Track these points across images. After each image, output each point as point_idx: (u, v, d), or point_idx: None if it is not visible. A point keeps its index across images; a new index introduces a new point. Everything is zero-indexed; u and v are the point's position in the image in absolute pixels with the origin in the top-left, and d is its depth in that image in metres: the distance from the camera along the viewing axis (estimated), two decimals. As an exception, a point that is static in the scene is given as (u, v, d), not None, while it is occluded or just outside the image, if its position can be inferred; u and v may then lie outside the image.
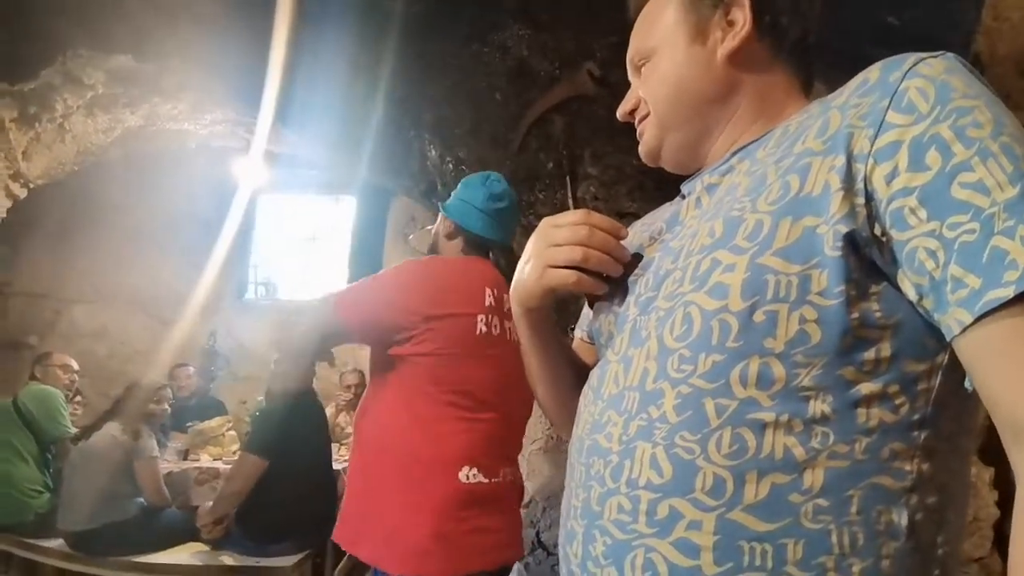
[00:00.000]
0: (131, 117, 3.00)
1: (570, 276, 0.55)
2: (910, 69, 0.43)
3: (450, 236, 1.32)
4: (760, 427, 0.43)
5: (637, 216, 0.73)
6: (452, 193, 1.37)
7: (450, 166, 2.48)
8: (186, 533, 2.29)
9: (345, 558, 2.35)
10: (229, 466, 2.51)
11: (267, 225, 4.92)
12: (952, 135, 0.40)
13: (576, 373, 0.65)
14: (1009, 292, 0.36)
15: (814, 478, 0.42)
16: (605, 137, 2.10)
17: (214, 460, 2.83)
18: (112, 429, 2.32)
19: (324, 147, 3.10)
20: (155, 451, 2.35)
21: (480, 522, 1.13)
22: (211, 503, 2.22)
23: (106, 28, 2.43)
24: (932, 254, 0.40)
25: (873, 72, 0.46)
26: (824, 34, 0.60)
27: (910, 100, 0.42)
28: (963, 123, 0.40)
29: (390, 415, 1.15)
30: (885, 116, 0.43)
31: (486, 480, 1.14)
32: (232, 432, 3.07)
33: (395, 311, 1.13)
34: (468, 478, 1.12)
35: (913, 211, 0.41)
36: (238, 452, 2.76)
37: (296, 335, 1.23)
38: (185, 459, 2.87)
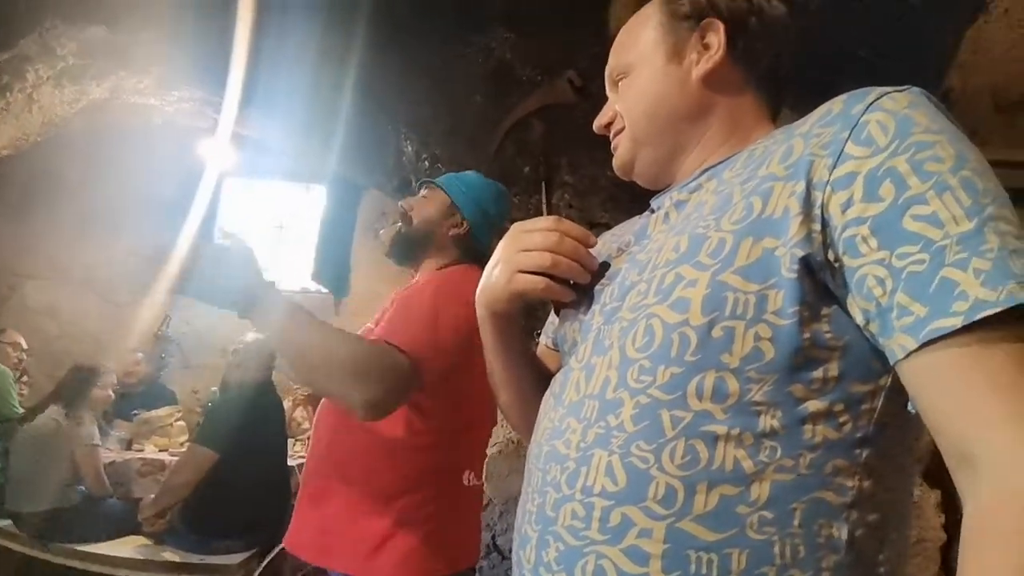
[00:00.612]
0: (96, 89, 2.88)
1: (539, 282, 0.56)
2: (873, 103, 0.45)
3: (456, 240, 1.17)
4: (712, 439, 0.44)
5: (609, 226, 0.75)
6: (461, 187, 1.21)
7: (426, 163, 2.46)
8: (128, 525, 2.22)
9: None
10: (175, 458, 2.43)
11: (232, 210, 4.79)
12: (909, 168, 0.41)
13: (539, 378, 0.66)
14: (956, 322, 0.38)
15: (761, 490, 0.43)
16: (582, 147, 2.12)
17: (160, 451, 2.73)
18: (54, 412, 2.26)
19: (295, 133, 3.04)
20: (96, 439, 2.30)
21: (473, 523, 1.13)
22: (154, 495, 2.14)
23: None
24: (880, 281, 0.41)
25: (837, 104, 0.48)
26: (796, 64, 0.63)
27: (869, 133, 0.44)
28: (922, 157, 0.41)
29: (392, 419, 0.99)
30: (844, 147, 0.44)
31: (478, 483, 1.13)
32: (181, 423, 2.97)
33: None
34: (468, 482, 1.09)
35: (865, 239, 0.42)
36: (186, 444, 2.67)
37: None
38: (129, 449, 2.75)
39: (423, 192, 1.23)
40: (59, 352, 3.74)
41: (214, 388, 2.64)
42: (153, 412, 2.93)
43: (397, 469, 1.02)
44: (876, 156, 0.43)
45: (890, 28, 1.82)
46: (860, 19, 1.80)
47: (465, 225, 1.18)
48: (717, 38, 0.58)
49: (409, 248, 1.18)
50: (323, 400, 1.18)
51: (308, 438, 3.12)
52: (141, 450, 2.73)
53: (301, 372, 0.93)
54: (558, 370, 0.61)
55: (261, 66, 2.48)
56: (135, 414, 2.93)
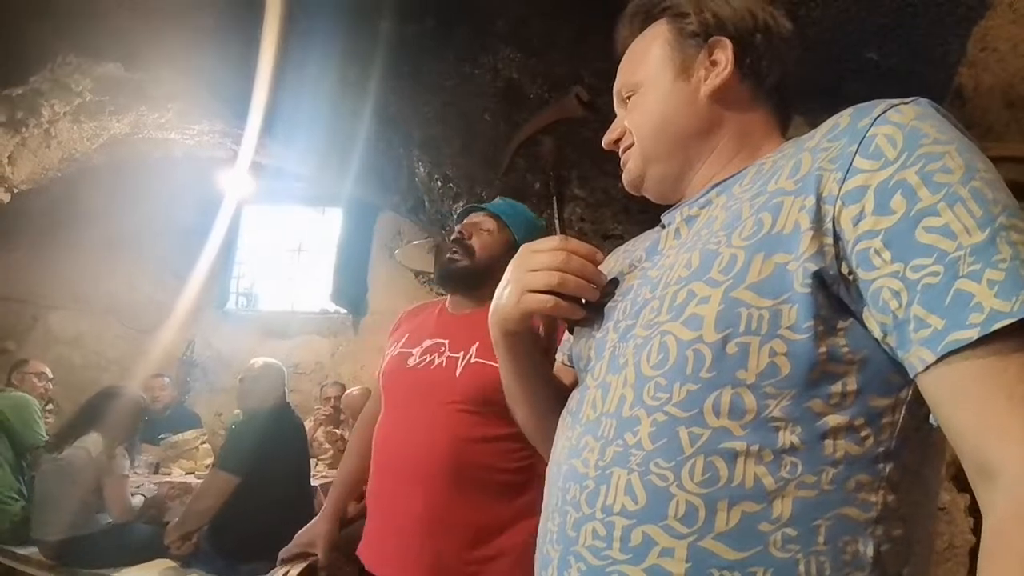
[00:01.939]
0: (117, 124, 2.98)
1: (547, 301, 0.56)
2: (879, 116, 0.45)
3: None
4: (732, 456, 0.44)
5: (623, 238, 0.75)
6: (523, 223, 1.21)
7: (438, 184, 2.49)
8: (155, 549, 2.23)
9: None
10: (201, 481, 2.45)
11: (252, 236, 4.89)
12: (919, 180, 0.41)
13: (555, 396, 0.66)
14: (973, 334, 0.37)
15: (783, 507, 0.43)
16: (592, 160, 2.13)
17: (186, 474, 2.77)
18: (88, 442, 2.26)
19: (311, 160, 3.10)
20: (126, 469, 2.33)
21: None
22: (179, 519, 2.17)
23: (95, 36, 2.43)
24: (896, 294, 0.41)
25: (844, 117, 0.48)
26: (803, 74, 0.63)
27: (877, 146, 0.44)
28: (931, 169, 0.41)
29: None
30: (852, 161, 0.44)
31: None
32: (206, 446, 3.01)
33: None
34: None
35: (878, 252, 0.42)
36: (210, 466, 2.70)
37: None
38: (156, 472, 2.79)
39: (479, 219, 1.21)
40: (85, 381, 3.83)
41: (237, 411, 2.68)
42: (179, 436, 2.98)
43: (525, 490, 1.03)
44: (886, 169, 0.43)
45: (896, 28, 1.81)
46: (866, 21, 1.79)
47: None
48: (724, 55, 0.59)
49: (472, 281, 1.16)
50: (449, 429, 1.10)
51: (330, 458, 3.14)
52: (168, 473, 2.77)
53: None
54: (574, 386, 0.61)
55: (279, 96, 2.55)
56: (162, 438, 2.98)
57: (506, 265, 1.15)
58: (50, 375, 3.00)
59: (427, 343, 1.17)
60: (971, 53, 1.86)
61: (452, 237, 1.20)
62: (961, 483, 1.53)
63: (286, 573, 1.17)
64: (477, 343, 1.08)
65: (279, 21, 2.27)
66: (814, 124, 0.54)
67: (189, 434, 3.01)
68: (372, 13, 2.27)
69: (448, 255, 1.18)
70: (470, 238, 1.17)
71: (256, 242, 4.89)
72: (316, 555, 1.23)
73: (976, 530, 1.57)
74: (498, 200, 1.28)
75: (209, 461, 2.88)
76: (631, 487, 0.46)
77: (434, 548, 1.01)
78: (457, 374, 1.08)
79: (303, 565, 1.22)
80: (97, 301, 4.30)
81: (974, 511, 1.57)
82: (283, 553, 1.28)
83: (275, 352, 3.19)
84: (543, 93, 2.25)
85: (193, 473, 2.78)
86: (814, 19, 1.70)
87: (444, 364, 1.11)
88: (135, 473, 2.59)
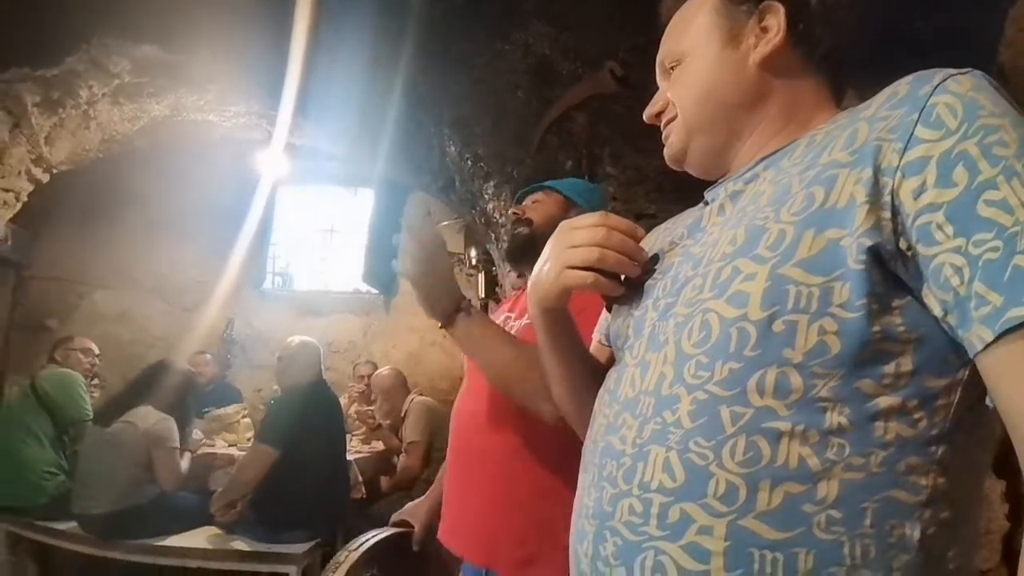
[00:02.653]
0: (157, 107, 3.03)
1: (587, 277, 0.56)
2: (939, 85, 0.43)
3: None
4: (775, 436, 0.43)
5: (656, 218, 0.74)
6: (570, 185, 1.22)
7: (469, 163, 2.48)
8: (201, 517, 2.31)
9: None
10: (243, 453, 2.55)
11: (286, 216, 4.98)
12: (979, 152, 0.40)
13: (593, 374, 0.66)
14: None
15: (828, 489, 0.42)
16: (625, 138, 2.09)
17: (229, 446, 2.88)
18: (136, 415, 2.30)
19: (344, 140, 3.12)
20: (175, 441, 2.35)
21: None
22: (222, 489, 2.27)
23: (133, 18, 2.47)
24: (958, 271, 0.40)
25: (902, 86, 0.46)
26: (856, 43, 0.60)
27: (939, 116, 0.42)
28: (990, 141, 0.40)
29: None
30: (914, 131, 0.43)
31: None
32: (247, 419, 3.13)
33: None
34: None
35: (940, 227, 0.41)
36: (251, 439, 2.81)
37: None
38: (201, 444, 2.92)
39: (530, 200, 1.23)
40: (131, 356, 3.99)
41: (276, 387, 2.77)
42: (222, 410, 3.10)
43: (566, 471, 1.02)
44: (947, 139, 0.41)
45: (937, 7, 1.74)
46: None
47: (581, 210, 1.18)
48: (776, 21, 0.56)
49: (535, 248, 1.17)
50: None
51: (363, 433, 3.23)
52: (212, 445, 2.89)
53: (499, 386, 0.94)
54: (611, 366, 0.60)
55: (313, 78, 2.57)
56: (206, 411, 3.10)
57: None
58: (96, 351, 3.03)
59: (500, 318, 1.19)
60: (1008, 34, 1.78)
61: (512, 217, 1.23)
62: (998, 468, 1.49)
63: (381, 533, 1.22)
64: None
65: (311, 1, 2.28)
66: (864, 96, 0.51)
67: (231, 408, 3.13)
68: None
69: (511, 234, 1.20)
70: (524, 214, 1.20)
71: (291, 223, 4.99)
72: (413, 528, 1.27)
73: (1011, 516, 1.54)
74: (557, 181, 1.30)
75: (250, 434, 2.99)
76: (669, 465, 0.46)
77: (492, 524, 1.02)
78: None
79: (399, 531, 1.27)
80: (142, 280, 4.46)
81: (1009, 497, 1.54)
82: (394, 517, 1.33)
83: (310, 330, 3.27)
84: (576, 69, 2.21)
85: (235, 445, 2.89)
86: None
87: (513, 332, 1.11)
88: (187, 450, 2.63)
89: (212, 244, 4.41)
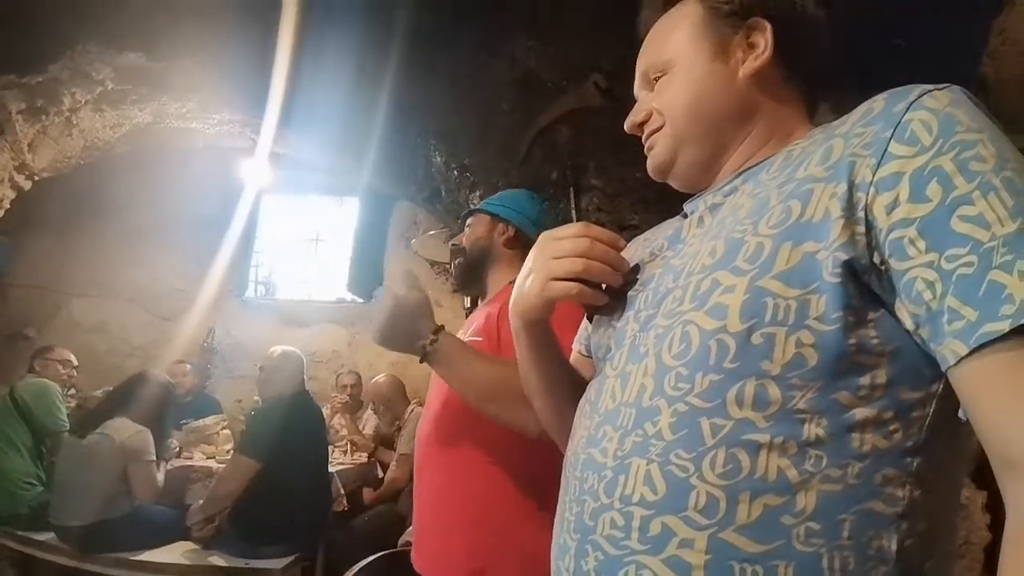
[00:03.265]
0: (139, 114, 3.01)
1: (572, 288, 0.56)
2: (915, 101, 0.44)
3: (510, 245, 1.22)
4: (755, 448, 0.43)
5: (640, 228, 0.74)
6: (495, 202, 1.29)
7: (455, 173, 2.49)
8: (177, 532, 2.26)
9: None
10: (222, 465, 2.50)
11: (270, 225, 4.94)
12: (954, 168, 0.41)
13: (574, 386, 0.65)
14: (1004, 326, 0.37)
15: (807, 501, 0.42)
16: (609, 149, 2.11)
17: (207, 459, 2.82)
18: (112, 428, 2.26)
19: (329, 150, 3.11)
20: (151, 455, 2.31)
21: None
22: (201, 502, 2.21)
23: (116, 26, 2.45)
24: (930, 285, 0.40)
25: (878, 102, 0.47)
26: (836, 60, 0.61)
27: (913, 132, 0.43)
28: (966, 157, 0.41)
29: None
30: (888, 147, 0.43)
31: None
32: (226, 431, 3.07)
33: None
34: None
35: (912, 242, 0.41)
36: (231, 451, 2.75)
37: None
38: (178, 457, 2.86)
39: (467, 224, 1.29)
40: (109, 367, 3.91)
41: (256, 398, 2.72)
42: (200, 421, 3.03)
43: (530, 485, 1.01)
44: (921, 155, 0.42)
45: (921, 16, 1.78)
46: (892, 7, 1.75)
47: (511, 228, 1.23)
48: (764, 38, 0.57)
49: (473, 272, 1.24)
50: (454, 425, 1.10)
51: (348, 445, 3.19)
52: (190, 458, 2.83)
53: (480, 406, 0.93)
54: (592, 377, 0.60)
55: (298, 87, 2.56)
56: (184, 423, 3.04)
57: (492, 240, 1.21)
58: (75, 362, 3.00)
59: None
60: (992, 45, 1.83)
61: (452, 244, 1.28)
62: (979, 479, 1.51)
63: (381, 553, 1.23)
64: (475, 324, 1.11)
65: (296, 11, 2.27)
66: (839, 111, 0.52)
67: (210, 420, 3.06)
68: (388, 3, 2.26)
69: (453, 267, 1.27)
70: (462, 243, 1.26)
71: (275, 231, 4.95)
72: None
73: (993, 527, 1.56)
74: (491, 199, 1.34)
75: (229, 447, 2.93)
76: (650, 477, 0.46)
77: (442, 538, 1.02)
78: None
79: (394, 551, 1.28)
80: (121, 289, 4.38)
81: (991, 508, 1.55)
82: (403, 538, 1.35)
83: (293, 340, 3.23)
84: (560, 81, 2.23)
85: (214, 458, 2.83)
86: (842, 2, 1.66)
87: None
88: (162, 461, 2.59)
89: (193, 253, 4.35)
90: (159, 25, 2.46)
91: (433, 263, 4.49)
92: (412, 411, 3.10)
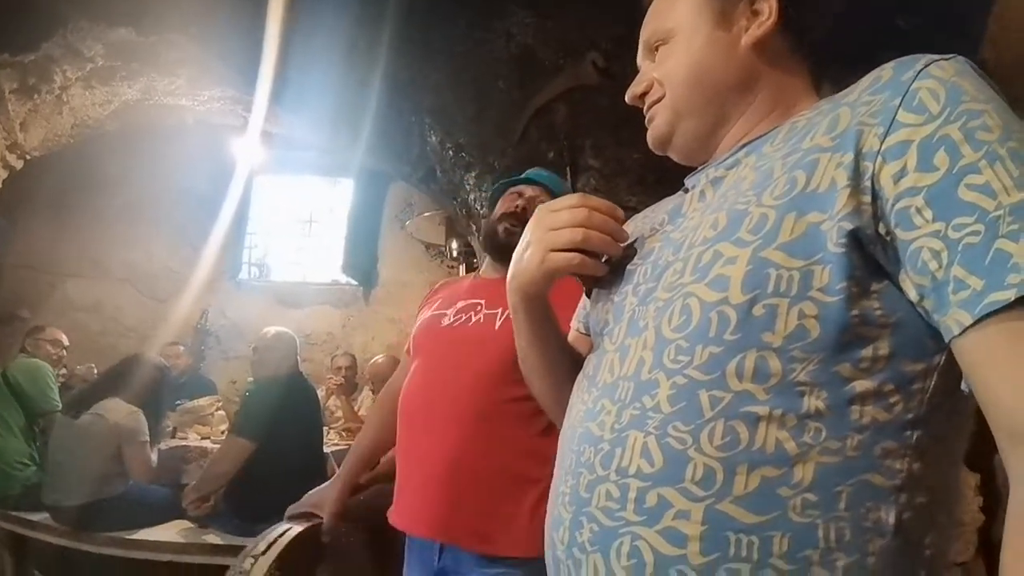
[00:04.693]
0: (129, 91, 2.96)
1: (573, 258, 0.55)
2: (922, 70, 0.43)
3: None
4: (753, 420, 0.43)
5: (637, 209, 0.73)
6: (556, 182, 1.22)
7: (450, 153, 2.46)
8: (173, 510, 2.27)
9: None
10: (217, 445, 2.50)
11: (264, 205, 4.90)
12: (961, 137, 0.40)
13: (572, 364, 0.65)
14: (1010, 295, 0.36)
15: (804, 473, 0.42)
16: (607, 129, 2.09)
17: (202, 439, 2.83)
18: (105, 408, 2.26)
19: (322, 129, 3.07)
20: (145, 435, 2.32)
21: None
22: (196, 482, 2.22)
23: (106, 1, 2.40)
24: (936, 254, 0.40)
25: (885, 71, 0.46)
26: (843, 33, 0.60)
27: (921, 100, 0.42)
28: (972, 126, 0.40)
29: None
30: (896, 115, 0.43)
31: None
32: (221, 412, 3.07)
33: None
34: None
35: (919, 211, 0.41)
36: (225, 432, 2.76)
37: None
38: (173, 437, 2.86)
39: (534, 192, 1.20)
40: (103, 347, 3.90)
41: (251, 379, 2.72)
42: (195, 402, 3.04)
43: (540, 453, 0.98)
44: (929, 124, 0.41)
45: (921, 4, 1.76)
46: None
47: None
48: (768, 4, 0.56)
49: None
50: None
51: (343, 427, 3.20)
52: (185, 438, 2.83)
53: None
54: (591, 353, 0.60)
55: (290, 64, 2.52)
56: (178, 404, 3.04)
57: None
58: (65, 342, 3.01)
59: (461, 304, 1.17)
60: (992, 30, 1.81)
61: (506, 211, 1.17)
62: (972, 461, 1.52)
63: (286, 531, 1.17)
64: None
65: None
66: (839, 89, 0.51)
67: (204, 400, 3.07)
68: None
69: (506, 226, 1.16)
70: (531, 209, 1.14)
71: (268, 212, 4.91)
72: (321, 518, 1.23)
73: (985, 509, 1.57)
74: (532, 170, 1.25)
75: (224, 427, 2.94)
76: (647, 450, 0.46)
77: (451, 498, 1.01)
78: (496, 327, 1.07)
79: (307, 525, 1.21)
80: (114, 269, 4.35)
81: (983, 490, 1.57)
82: (290, 510, 1.29)
83: (287, 322, 3.22)
84: (558, 59, 2.19)
85: (208, 438, 2.84)
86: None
87: (482, 320, 1.10)
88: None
89: (186, 233, 4.31)
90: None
91: (428, 245, 4.47)
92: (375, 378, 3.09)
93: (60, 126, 3.03)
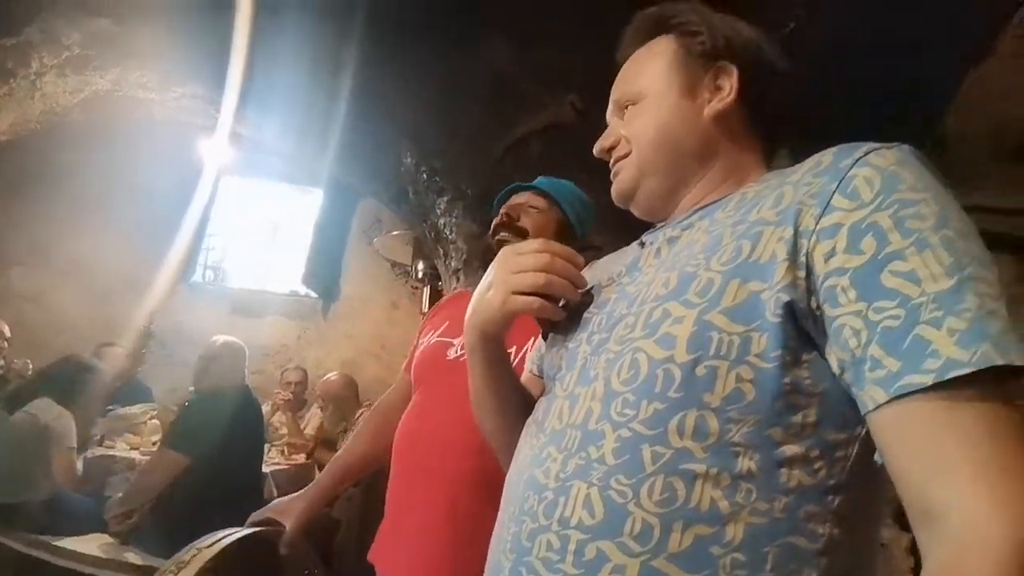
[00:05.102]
0: (100, 80, 2.91)
1: (534, 302, 0.57)
2: (861, 158, 0.46)
3: None
4: (691, 478, 0.44)
5: (602, 250, 0.74)
6: (574, 201, 1.14)
7: (424, 176, 2.46)
8: (95, 522, 2.16)
9: None
10: (146, 457, 2.37)
11: (227, 208, 4.77)
12: (891, 224, 0.42)
13: (524, 405, 0.65)
14: (927, 380, 0.38)
15: (735, 532, 0.43)
16: (580, 169, 2.12)
17: (131, 449, 2.66)
18: (37, 407, 2.19)
19: (290, 134, 3.04)
20: (73, 440, 2.24)
21: None
22: (121, 495, 2.09)
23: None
24: (856, 333, 0.42)
25: (827, 156, 0.49)
26: (797, 111, 0.64)
27: (855, 187, 0.45)
28: (904, 214, 0.42)
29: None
30: (831, 199, 0.45)
31: None
32: (154, 422, 2.90)
33: None
34: None
35: (844, 290, 0.43)
36: (157, 443, 2.61)
37: None
38: (101, 445, 2.69)
39: (524, 198, 1.13)
40: (41, 340, 3.68)
41: (192, 388, 2.60)
42: (127, 409, 2.86)
43: (495, 495, 0.94)
44: (861, 210, 0.44)
45: (889, 70, 1.86)
46: (858, 60, 1.83)
47: (576, 242, 1.12)
48: (730, 82, 0.60)
49: None
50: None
51: (285, 444, 3.08)
52: (112, 447, 2.66)
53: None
54: (542, 396, 0.60)
55: (263, 67, 2.49)
56: (110, 410, 2.86)
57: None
58: (8, 334, 2.93)
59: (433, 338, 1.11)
60: (959, 101, 1.91)
61: (496, 221, 1.10)
62: (903, 522, 1.55)
63: (237, 532, 1.04)
64: (533, 338, 1.00)
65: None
66: (797, 158, 0.54)
67: (137, 408, 2.90)
68: None
69: (497, 239, 1.08)
70: (518, 219, 1.09)
71: (232, 215, 4.78)
72: (283, 528, 1.11)
73: (916, 570, 1.61)
74: (540, 178, 1.18)
75: (156, 438, 2.77)
76: (590, 501, 0.46)
77: (453, 557, 0.94)
78: None
79: (264, 529, 1.10)
80: (59, 260, 4.16)
81: (915, 550, 1.60)
82: (253, 517, 1.17)
83: (239, 330, 3.11)
84: (537, 93, 2.24)
85: (138, 449, 2.67)
86: (806, 54, 1.73)
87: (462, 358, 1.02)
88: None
89: (141, 229, 4.16)
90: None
91: (394, 263, 4.43)
92: (361, 414, 3.01)
93: (30, 111, 2.97)
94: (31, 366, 3.05)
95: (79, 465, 2.31)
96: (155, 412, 2.95)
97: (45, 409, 2.20)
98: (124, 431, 2.77)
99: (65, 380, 2.32)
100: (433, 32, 2.27)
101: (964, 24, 1.78)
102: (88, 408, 2.41)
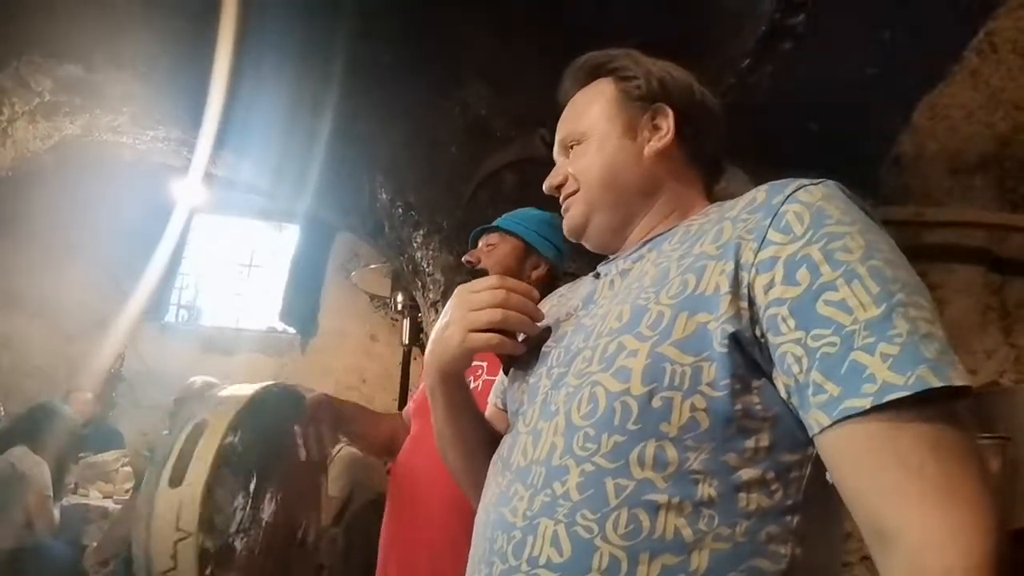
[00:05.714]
0: (70, 126, 2.89)
1: (492, 338, 0.58)
2: (791, 195, 0.49)
3: (540, 282, 1.10)
4: (654, 508, 0.45)
5: (574, 276, 0.77)
6: (528, 227, 1.15)
7: (399, 210, 2.50)
8: (74, 571, 2.13)
9: None
10: (119, 506, 2.29)
11: (199, 246, 4.72)
12: (822, 257, 0.45)
13: (488, 440, 0.66)
14: (866, 403, 0.40)
15: (700, 560, 0.44)
16: (552, 200, 2.19)
17: (104, 497, 2.57)
18: (13, 456, 2.18)
19: (266, 172, 3.06)
20: (49, 489, 2.22)
21: None
22: (96, 544, 2.03)
23: (60, 36, 2.38)
24: (798, 359, 0.44)
25: (760, 193, 0.53)
26: (728, 147, 0.69)
27: (787, 222, 0.48)
28: (833, 247, 0.45)
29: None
30: (767, 234, 0.48)
31: None
32: (127, 468, 2.81)
33: None
34: None
35: (784, 320, 0.45)
36: (130, 491, 2.53)
37: None
38: (75, 493, 2.59)
39: (482, 241, 1.17)
40: (8, 385, 3.56)
41: (165, 431, 2.54)
42: (99, 456, 2.78)
43: (467, 529, 0.91)
44: (794, 243, 0.47)
45: (843, 100, 1.94)
46: (813, 91, 1.91)
47: (545, 265, 1.14)
48: (667, 122, 0.63)
49: None
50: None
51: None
52: (86, 495, 2.57)
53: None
54: (507, 433, 0.61)
55: (237, 107, 2.52)
56: (81, 457, 2.76)
57: (524, 274, 1.10)
58: None
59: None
60: (916, 121, 1.97)
61: (465, 270, 1.14)
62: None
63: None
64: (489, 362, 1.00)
65: (236, 29, 2.24)
66: (756, 182, 0.58)
67: (109, 455, 2.81)
68: (333, 32, 2.27)
69: (458, 282, 1.11)
70: (479, 262, 1.13)
71: (205, 253, 4.72)
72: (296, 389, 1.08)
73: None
74: (500, 218, 1.22)
75: (129, 485, 2.69)
76: (557, 538, 0.47)
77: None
78: None
79: (273, 384, 1.08)
80: (27, 302, 4.03)
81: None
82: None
83: (213, 369, 3.06)
84: (508, 131, 2.32)
85: (111, 497, 2.58)
86: (764, 87, 1.83)
87: (480, 388, 1.02)
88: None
89: (110, 269, 4.07)
90: (97, 35, 2.39)
91: (373, 296, 4.42)
92: (339, 451, 2.95)
93: (2, 158, 2.91)
94: (2, 411, 2.95)
95: (56, 513, 2.28)
96: (127, 459, 2.86)
97: (22, 458, 2.20)
98: (96, 478, 2.68)
99: (37, 429, 2.32)
100: (412, 75, 2.33)
101: (918, 57, 1.85)
102: (62, 456, 2.39)
